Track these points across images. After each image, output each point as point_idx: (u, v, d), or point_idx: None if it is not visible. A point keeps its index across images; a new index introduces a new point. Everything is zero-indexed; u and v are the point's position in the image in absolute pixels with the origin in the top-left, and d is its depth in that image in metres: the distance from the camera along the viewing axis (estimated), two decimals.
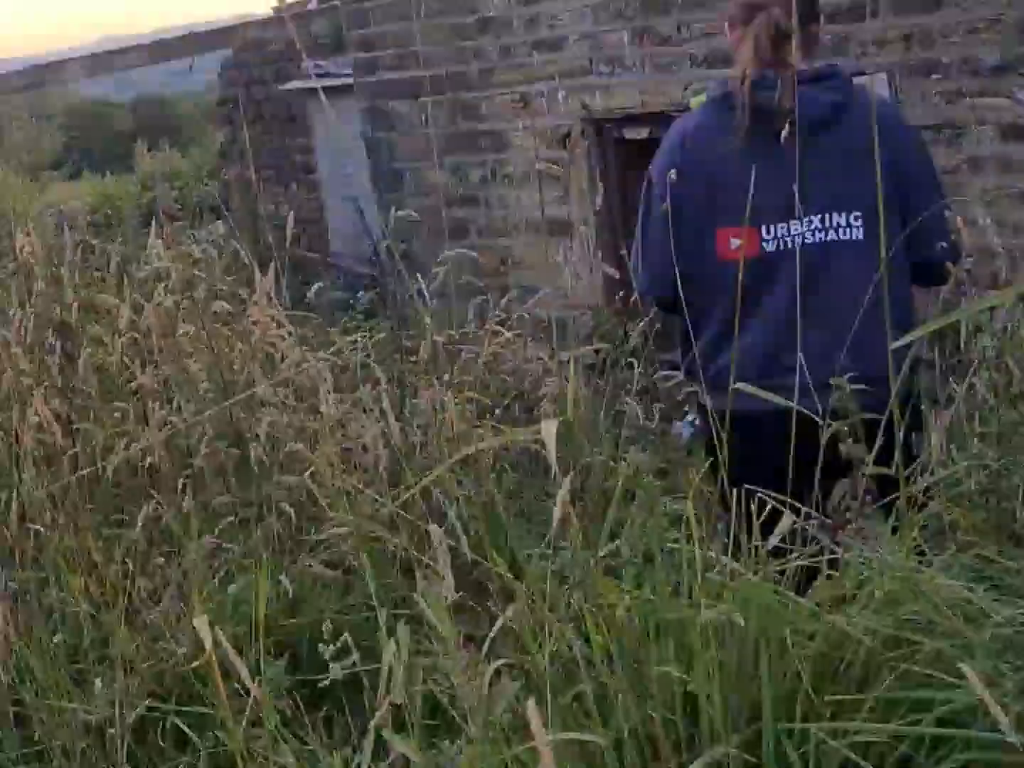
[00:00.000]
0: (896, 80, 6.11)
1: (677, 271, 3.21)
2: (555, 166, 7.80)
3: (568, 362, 4.96)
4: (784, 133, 2.95)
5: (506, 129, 8.19)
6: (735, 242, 3.23)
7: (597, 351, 7.85)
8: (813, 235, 3.25)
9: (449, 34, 8.33)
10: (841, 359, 2.88)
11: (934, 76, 5.98)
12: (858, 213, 3.25)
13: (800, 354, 2.86)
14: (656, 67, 7.17)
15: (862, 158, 2.94)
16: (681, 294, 3.13)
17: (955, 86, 5.91)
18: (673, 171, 3.22)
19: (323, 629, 2.67)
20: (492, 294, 8.58)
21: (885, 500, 2.66)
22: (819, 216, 3.25)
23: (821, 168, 3.21)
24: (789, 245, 3.24)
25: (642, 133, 7.45)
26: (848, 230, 3.25)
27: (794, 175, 3.10)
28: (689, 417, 6.80)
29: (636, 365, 6.64)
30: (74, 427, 4.15)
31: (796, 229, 3.24)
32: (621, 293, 7.74)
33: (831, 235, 3.26)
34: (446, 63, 8.42)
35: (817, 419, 2.65)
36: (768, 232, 3.25)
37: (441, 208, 8.70)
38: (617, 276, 6.04)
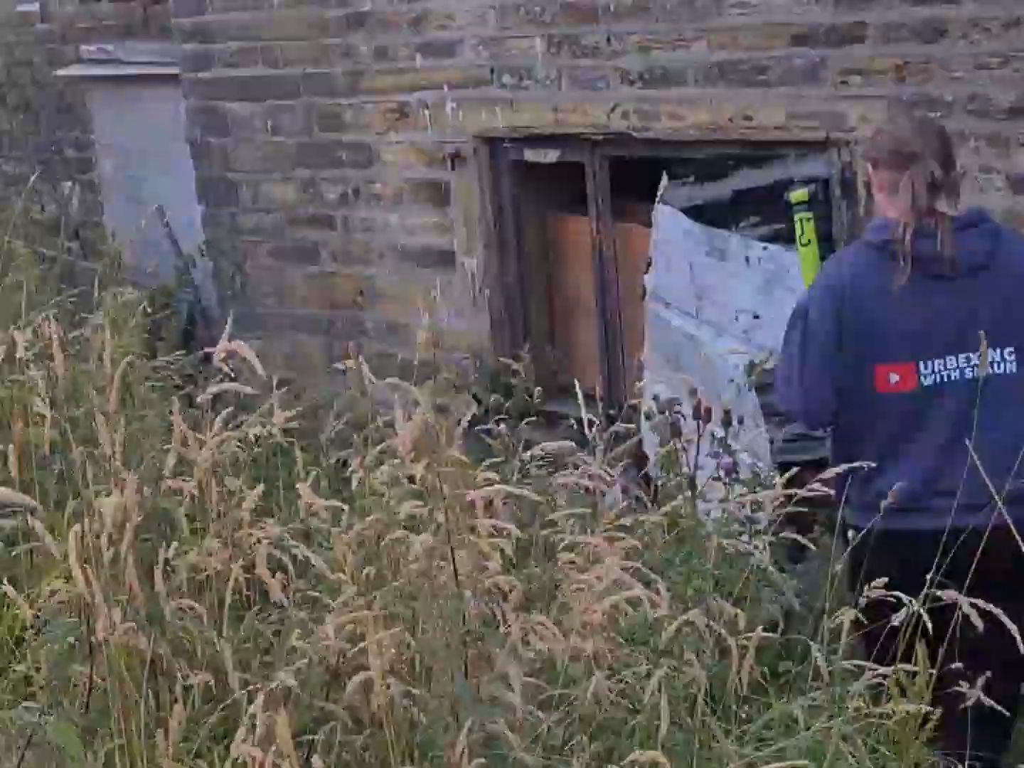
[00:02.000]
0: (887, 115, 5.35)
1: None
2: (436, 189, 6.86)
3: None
4: (941, 276, 3.53)
5: (376, 142, 7.11)
6: (894, 377, 3.57)
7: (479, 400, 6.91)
8: (973, 370, 3.52)
9: (310, 29, 7.19)
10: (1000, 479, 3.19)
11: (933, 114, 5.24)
12: (1011, 348, 3.60)
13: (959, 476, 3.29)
14: (576, 82, 6.23)
15: (1012, 299, 3.60)
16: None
17: (958, 126, 5.18)
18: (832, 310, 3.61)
19: None
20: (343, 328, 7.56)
21: None
22: (976, 352, 3.43)
23: (975, 308, 3.56)
24: (947, 379, 3.57)
25: (549, 156, 6.50)
26: (1003, 364, 3.59)
27: (951, 315, 3.56)
28: (620, 480, 5.92)
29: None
30: None
31: (953, 364, 3.57)
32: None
33: (987, 369, 3.48)
34: (303, 62, 7.28)
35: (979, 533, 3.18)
36: (926, 367, 3.56)
37: (284, 227, 7.60)
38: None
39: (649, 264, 5.38)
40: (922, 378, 3.56)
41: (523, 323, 6.87)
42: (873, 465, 3.43)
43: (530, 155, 6.57)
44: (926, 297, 3.54)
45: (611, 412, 5.66)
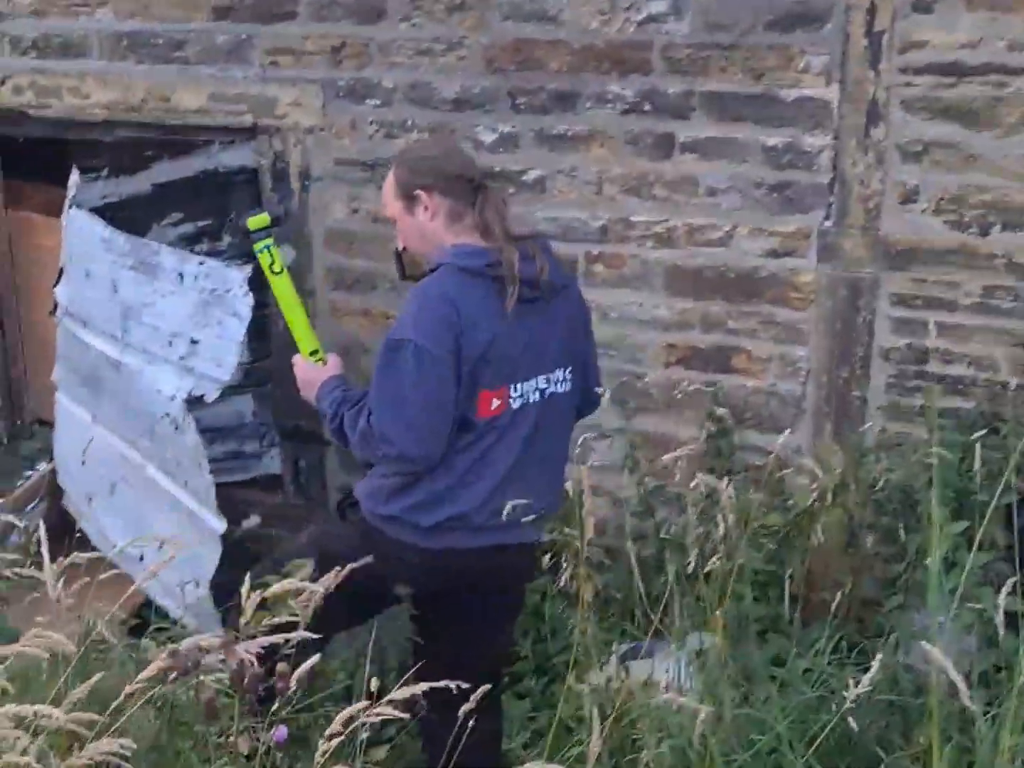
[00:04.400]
0: (323, 100, 4.85)
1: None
2: None
3: None
4: (534, 299, 3.44)
5: None
6: (495, 403, 3.43)
7: None
8: (544, 391, 3.53)
9: None
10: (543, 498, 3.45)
11: (370, 101, 4.80)
12: (571, 367, 3.60)
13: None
14: None
15: (574, 317, 3.64)
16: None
17: (398, 116, 4.77)
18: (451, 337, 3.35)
19: None
20: None
21: None
22: (550, 372, 3.55)
23: (554, 329, 3.55)
24: (528, 400, 3.50)
25: None
26: (563, 383, 3.58)
27: (539, 336, 3.49)
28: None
29: None
30: None
31: (533, 385, 3.51)
32: None
33: (554, 388, 3.55)
34: None
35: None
36: (516, 390, 3.47)
37: None
38: None
39: (60, 274, 4.59)
40: (511, 401, 3.47)
41: None
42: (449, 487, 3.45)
43: None
44: (522, 320, 3.42)
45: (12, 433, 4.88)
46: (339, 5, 4.76)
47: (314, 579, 3.03)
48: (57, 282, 4.62)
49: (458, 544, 3.44)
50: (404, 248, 3.63)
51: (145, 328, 4.29)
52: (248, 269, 4.22)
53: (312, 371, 3.76)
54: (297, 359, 3.82)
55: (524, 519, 3.28)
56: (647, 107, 4.42)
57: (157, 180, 4.80)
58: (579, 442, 4.07)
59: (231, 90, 4.95)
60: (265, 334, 5.18)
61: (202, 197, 5.05)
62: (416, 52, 4.70)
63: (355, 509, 3.59)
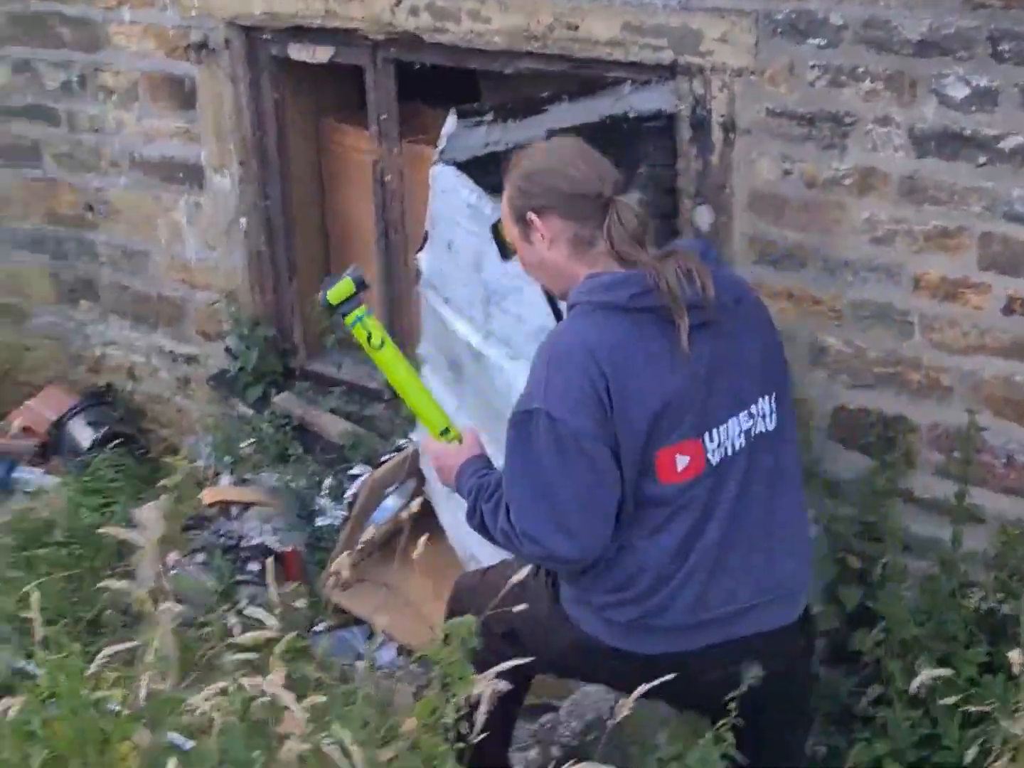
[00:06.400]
0: (756, 37, 3.97)
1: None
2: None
3: None
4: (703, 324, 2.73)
5: (105, 19, 5.50)
6: (682, 461, 2.73)
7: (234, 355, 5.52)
8: (756, 427, 2.84)
9: None
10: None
11: (812, 41, 3.88)
12: (774, 395, 2.90)
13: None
14: None
15: (761, 334, 2.92)
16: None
17: (847, 60, 3.84)
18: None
19: None
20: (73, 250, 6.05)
21: None
22: (754, 406, 2.85)
23: (742, 353, 2.85)
24: (731, 450, 2.80)
25: (319, 55, 5.00)
26: (770, 418, 2.87)
27: (723, 367, 2.80)
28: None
29: None
30: None
31: (736, 429, 2.80)
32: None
33: (762, 426, 2.85)
34: None
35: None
36: (711, 440, 2.78)
37: None
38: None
39: (425, 238, 3.95)
40: (709, 455, 2.77)
41: (288, 259, 5.42)
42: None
43: (296, 52, 5.06)
44: (697, 352, 2.74)
45: None
46: None
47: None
48: (421, 247, 3.99)
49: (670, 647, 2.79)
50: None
51: (509, 317, 3.58)
52: None
53: (447, 455, 3.06)
54: (428, 442, 3.15)
55: (758, 601, 2.77)
56: None
57: (553, 126, 4.07)
58: None
59: (649, 20, 4.15)
60: None
61: (606, 147, 4.30)
62: None
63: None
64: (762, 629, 2.83)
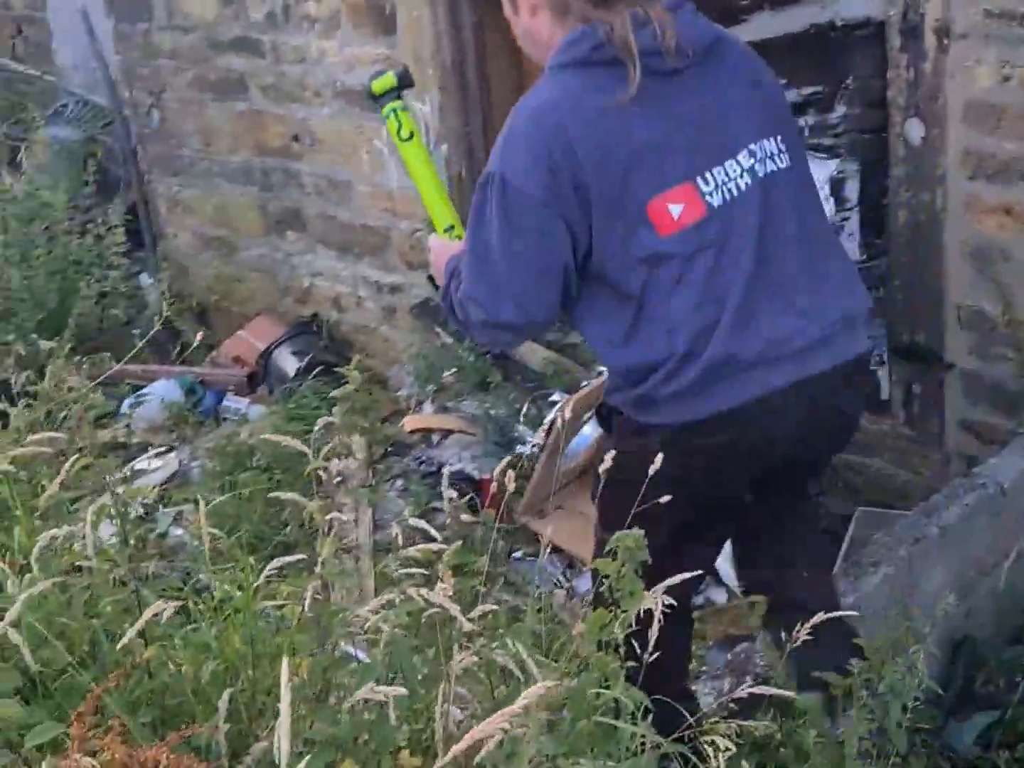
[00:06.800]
0: None
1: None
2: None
3: None
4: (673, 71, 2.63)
5: None
6: (676, 209, 2.61)
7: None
8: (762, 166, 2.69)
9: None
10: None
11: None
12: (781, 136, 2.76)
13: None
14: None
15: (751, 74, 2.79)
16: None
17: None
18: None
19: None
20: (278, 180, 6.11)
21: None
22: (755, 143, 2.70)
23: (728, 96, 2.72)
24: (737, 190, 2.66)
25: None
26: (782, 156, 2.72)
27: (710, 109, 2.67)
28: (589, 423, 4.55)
29: None
30: None
31: (735, 169, 2.66)
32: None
33: (773, 165, 2.70)
34: None
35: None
36: (705, 183, 2.64)
37: (205, 51, 6.10)
38: None
39: None
40: (706, 197, 2.63)
41: None
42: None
43: None
44: (676, 99, 2.65)
45: None
46: None
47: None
48: None
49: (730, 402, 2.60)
50: None
51: None
52: (832, 165, 3.30)
53: (446, 250, 2.94)
54: (432, 238, 3.08)
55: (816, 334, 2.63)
56: None
57: (754, 37, 3.91)
58: None
59: None
60: (882, 228, 4.26)
61: (811, 58, 4.12)
62: None
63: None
64: (835, 362, 2.70)
